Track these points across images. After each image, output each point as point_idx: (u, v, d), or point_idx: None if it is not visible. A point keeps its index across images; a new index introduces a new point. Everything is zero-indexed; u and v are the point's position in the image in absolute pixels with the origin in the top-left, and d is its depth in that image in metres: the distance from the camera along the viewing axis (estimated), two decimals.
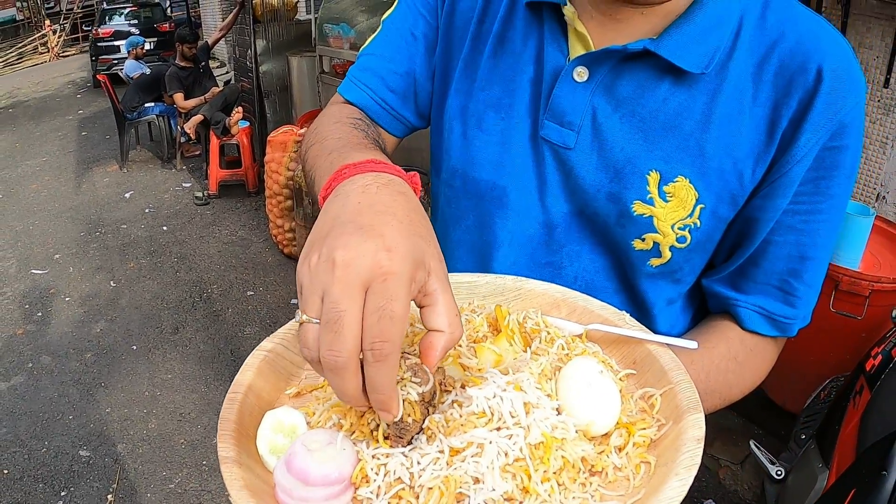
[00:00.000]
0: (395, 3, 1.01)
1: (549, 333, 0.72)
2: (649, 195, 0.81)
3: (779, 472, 1.91)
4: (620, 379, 0.69)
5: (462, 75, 0.93)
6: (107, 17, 14.70)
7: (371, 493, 0.56)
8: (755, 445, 2.04)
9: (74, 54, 20.04)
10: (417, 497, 0.56)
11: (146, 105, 7.89)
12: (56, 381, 3.83)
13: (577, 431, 0.61)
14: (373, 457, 0.58)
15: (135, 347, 4.09)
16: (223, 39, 8.15)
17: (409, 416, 0.57)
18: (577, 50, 0.84)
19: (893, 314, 1.25)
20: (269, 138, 5.32)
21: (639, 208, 0.82)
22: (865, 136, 3.17)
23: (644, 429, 0.63)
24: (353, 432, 0.62)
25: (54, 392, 3.73)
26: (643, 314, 0.90)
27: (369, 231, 0.54)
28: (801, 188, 0.81)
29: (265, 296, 4.64)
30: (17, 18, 22.83)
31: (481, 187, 0.91)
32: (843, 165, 0.80)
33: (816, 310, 2.17)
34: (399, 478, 0.57)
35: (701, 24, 0.78)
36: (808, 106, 0.77)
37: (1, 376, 3.93)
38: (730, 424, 3.24)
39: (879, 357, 1.90)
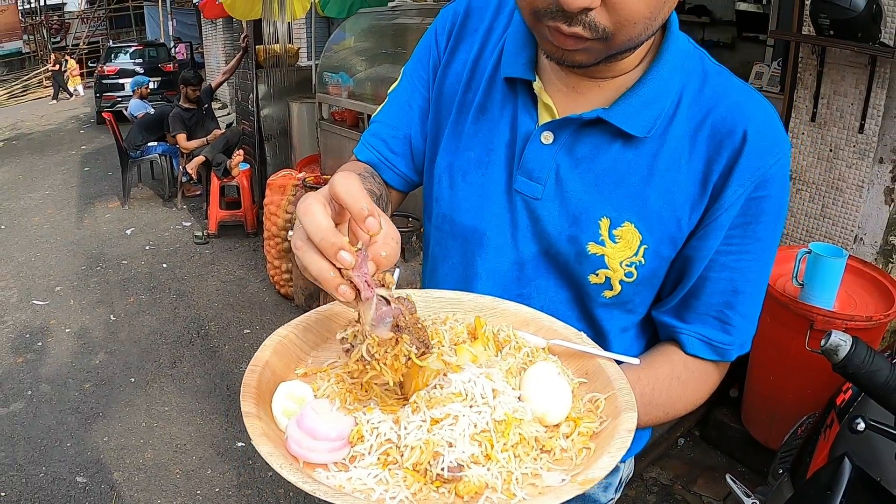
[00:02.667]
0: (399, 78, 1.20)
1: (517, 343, 0.89)
2: (601, 237, 0.97)
3: None
4: (574, 387, 0.84)
5: (449, 137, 1.11)
6: (112, 55, 14.87)
7: (364, 449, 0.73)
8: (731, 479, 2.12)
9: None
10: (402, 454, 0.71)
11: (149, 144, 8.09)
12: (55, 409, 3.95)
13: (533, 418, 0.77)
14: (368, 422, 0.75)
15: (133, 379, 4.23)
16: (226, 82, 8.40)
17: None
18: (544, 117, 1.00)
19: (823, 344, 1.36)
20: (268, 181, 5.50)
21: (592, 248, 0.97)
22: (842, 180, 3.38)
23: (589, 422, 0.79)
24: (347, 396, 0.80)
25: (53, 420, 3.85)
26: (600, 339, 1.05)
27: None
28: (730, 231, 0.95)
29: (261, 334, 4.76)
30: (24, 51, 23.10)
31: (465, 230, 1.08)
32: (768, 212, 0.94)
33: (793, 349, 2.41)
34: (389, 438, 0.73)
35: (646, 97, 0.94)
36: (734, 162, 0.92)
37: (0, 403, 4.05)
38: (713, 462, 3.39)
39: (850, 392, 1.98)
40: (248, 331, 4.86)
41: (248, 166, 6.86)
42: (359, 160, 1.19)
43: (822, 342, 1.32)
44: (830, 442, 1.88)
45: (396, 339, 0.75)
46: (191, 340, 4.72)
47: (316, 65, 6.06)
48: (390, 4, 5.26)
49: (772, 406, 3.11)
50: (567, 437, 0.77)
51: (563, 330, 0.94)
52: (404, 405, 0.78)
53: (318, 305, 3.61)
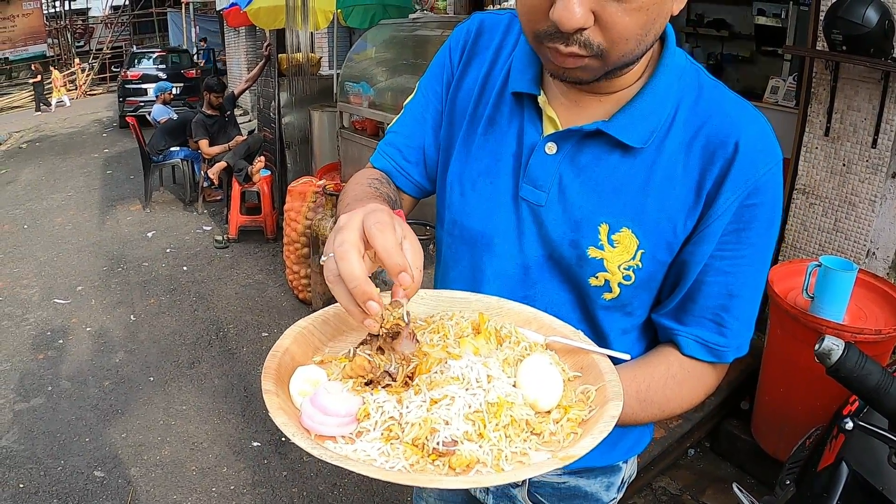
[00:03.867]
0: (415, 91, 1.27)
1: (517, 338, 0.95)
2: (600, 242, 1.02)
3: None
4: (568, 380, 0.90)
5: (461, 148, 1.17)
6: (136, 61, 15.08)
7: (370, 425, 0.79)
8: (738, 488, 2.13)
9: (101, 93, 20.57)
10: (403, 430, 0.77)
11: (172, 149, 8.22)
12: (74, 405, 4.04)
13: (525, 403, 0.83)
14: (374, 401, 0.81)
15: (152, 378, 4.31)
16: (248, 90, 8.51)
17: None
18: (548, 129, 1.06)
19: (817, 348, 1.40)
20: (289, 188, 5.58)
21: (592, 252, 1.03)
22: (855, 194, 3.41)
23: (578, 410, 0.84)
24: (358, 385, 0.86)
25: (72, 415, 3.94)
26: (601, 340, 1.09)
27: (363, 209, 0.82)
28: (724, 238, 0.99)
29: (279, 337, 4.83)
30: (48, 55, 23.44)
31: (474, 235, 1.14)
32: (760, 219, 0.99)
33: (803, 362, 2.44)
34: (392, 416, 0.79)
35: (643, 110, 1.00)
36: (727, 171, 0.97)
37: (21, 397, 4.14)
38: (723, 473, 3.40)
39: (856, 403, 1.99)
40: (266, 334, 4.94)
41: (269, 173, 6.96)
42: (374, 167, 1.26)
43: (816, 346, 1.36)
44: (836, 452, 1.90)
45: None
46: (209, 342, 4.80)
47: (337, 74, 6.15)
48: (411, 16, 5.35)
49: (781, 418, 3.14)
50: (556, 423, 0.83)
51: (562, 328, 0.99)
52: (408, 388, 0.84)
53: None
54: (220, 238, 6.86)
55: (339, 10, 6.00)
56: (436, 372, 0.84)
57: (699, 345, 1.06)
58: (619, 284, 1.05)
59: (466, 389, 0.81)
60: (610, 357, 0.93)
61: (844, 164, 3.49)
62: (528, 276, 1.11)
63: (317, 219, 4.91)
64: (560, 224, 1.06)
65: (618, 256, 1.03)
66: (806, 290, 2.91)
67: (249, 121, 12.40)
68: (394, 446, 0.77)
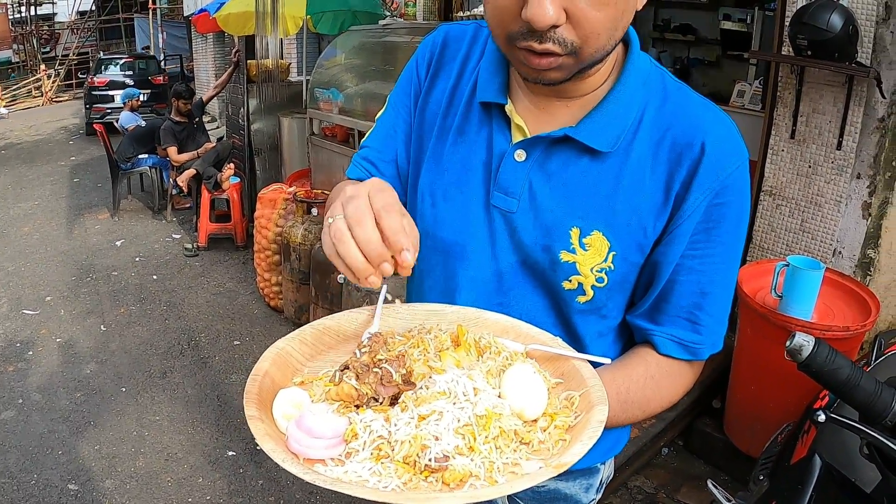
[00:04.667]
0: (385, 106, 1.28)
1: (497, 348, 0.96)
2: (572, 246, 1.04)
3: None
4: (552, 387, 0.91)
5: (431, 159, 1.18)
6: (102, 67, 14.84)
7: (359, 445, 0.79)
8: (712, 484, 2.14)
9: (68, 100, 20.24)
10: (393, 448, 0.77)
11: (140, 156, 8.11)
12: (46, 418, 3.97)
13: (512, 413, 0.84)
14: (361, 421, 0.81)
15: (124, 389, 4.26)
16: (216, 96, 8.45)
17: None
18: (517, 137, 1.07)
19: (788, 344, 1.44)
20: (259, 195, 5.55)
21: (565, 256, 1.04)
22: (821, 195, 3.47)
23: (564, 417, 0.85)
24: (343, 408, 0.86)
25: (44, 428, 3.87)
26: (578, 344, 1.11)
27: (368, 185, 0.86)
28: (694, 237, 1.02)
29: (251, 345, 4.82)
30: (13, 61, 23.08)
31: (447, 245, 1.15)
32: (729, 218, 1.01)
33: (773, 360, 2.48)
34: (380, 435, 0.79)
35: (609, 114, 1.01)
36: (694, 173, 0.99)
37: None
38: (697, 471, 3.44)
39: (826, 398, 2.03)
40: (238, 342, 4.90)
41: (239, 180, 6.91)
42: (351, 179, 1.26)
43: (787, 343, 1.40)
44: (808, 446, 1.93)
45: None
46: (181, 351, 4.75)
47: (307, 80, 6.13)
48: (381, 22, 5.35)
49: (753, 415, 3.19)
50: (544, 431, 0.84)
51: (540, 335, 1.01)
52: (394, 405, 0.85)
53: (308, 317, 3.73)
54: (189, 246, 6.79)
55: (308, 17, 5.97)
56: (421, 387, 0.85)
57: (675, 343, 1.08)
58: (593, 287, 1.06)
59: (454, 403, 0.82)
60: (590, 361, 0.95)
61: (810, 166, 3.56)
62: (502, 282, 1.12)
63: (287, 226, 4.89)
64: (532, 230, 1.07)
65: (590, 259, 1.04)
66: (774, 289, 2.97)
67: (217, 127, 12.32)
68: (385, 465, 0.77)
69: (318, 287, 4.50)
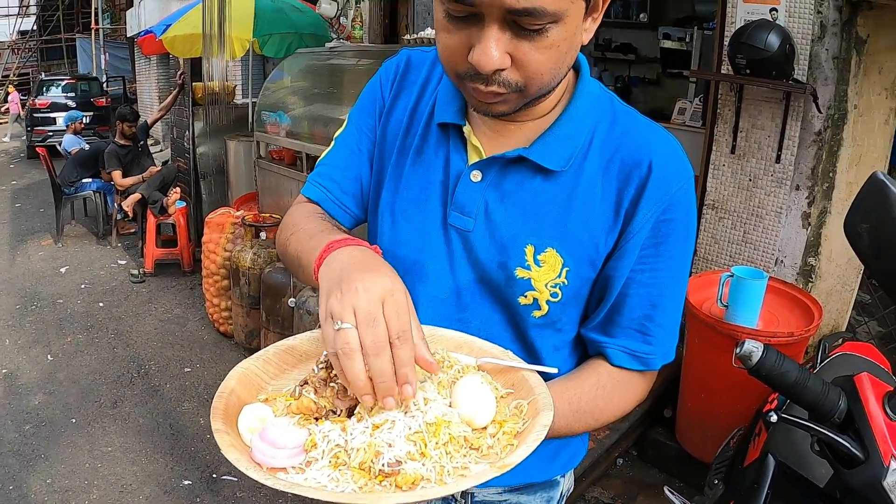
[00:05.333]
0: (345, 124, 1.30)
1: (449, 362, 0.99)
2: (527, 262, 1.07)
3: None
4: (501, 396, 0.95)
5: (391, 178, 1.21)
6: (44, 89, 14.48)
7: (318, 454, 0.83)
8: (669, 491, 2.20)
9: (7, 123, 19.79)
10: (349, 456, 0.81)
11: (84, 181, 7.96)
12: None
13: (462, 421, 0.88)
14: (320, 431, 0.85)
15: (74, 420, 4.15)
16: (160, 119, 8.35)
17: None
18: (473, 158, 1.11)
19: (738, 351, 1.51)
20: (206, 219, 5.50)
21: (520, 273, 1.08)
22: (762, 207, 3.59)
23: (513, 423, 0.90)
24: (304, 420, 0.89)
25: None
26: (534, 358, 1.14)
27: (375, 272, 0.85)
28: (643, 252, 1.06)
29: (202, 372, 4.77)
30: None
31: (406, 263, 1.17)
32: (676, 232, 1.06)
33: (721, 367, 2.59)
34: (338, 444, 0.83)
35: (561, 135, 1.06)
36: (642, 191, 1.04)
37: None
38: (652, 480, 3.51)
39: (775, 401, 2.08)
40: (189, 369, 4.83)
41: (185, 204, 6.84)
42: (310, 200, 1.27)
43: (737, 349, 1.46)
44: (760, 448, 2.00)
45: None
46: (131, 380, 4.66)
47: (253, 103, 6.11)
48: (328, 45, 5.36)
49: (704, 422, 3.27)
50: (493, 437, 0.88)
51: (491, 349, 1.04)
52: (350, 416, 0.89)
53: (259, 342, 3.72)
54: (136, 272, 6.68)
55: (255, 39, 5.96)
56: None
57: (627, 355, 1.12)
58: (548, 302, 1.10)
59: (405, 413, 0.85)
60: (540, 372, 0.99)
61: (751, 179, 3.68)
62: (460, 299, 1.15)
63: (236, 250, 4.86)
64: (488, 248, 1.11)
65: (544, 275, 1.08)
66: (720, 299, 3.06)
67: (161, 150, 12.15)
68: (342, 472, 0.80)
69: (269, 311, 4.46)
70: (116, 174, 7.33)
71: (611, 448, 3.58)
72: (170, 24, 6.53)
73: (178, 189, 6.90)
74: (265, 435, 0.83)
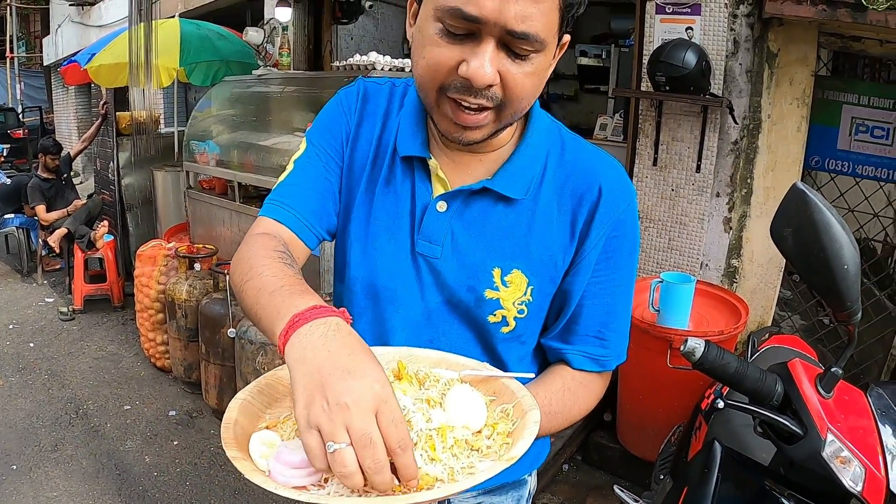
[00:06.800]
0: (304, 147, 1.29)
1: (435, 377, 1.06)
2: (495, 284, 1.17)
3: None
4: (487, 403, 1.02)
5: (361, 206, 1.26)
6: None
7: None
8: (619, 489, 2.30)
9: None
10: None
11: (5, 216, 7.75)
12: None
13: (461, 426, 0.95)
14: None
15: (14, 467, 4.02)
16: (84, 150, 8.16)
17: None
18: (438, 189, 1.20)
19: (682, 349, 1.65)
20: (138, 253, 5.41)
21: (489, 294, 1.17)
22: (685, 215, 3.78)
23: (504, 424, 0.98)
24: None
25: None
26: (502, 368, 1.21)
27: (356, 373, 0.79)
28: (597, 266, 1.18)
29: (142, 409, 4.68)
30: None
31: (377, 290, 1.24)
32: (625, 247, 1.19)
33: (657, 369, 2.74)
34: None
35: (519, 165, 1.17)
36: (594, 212, 1.16)
37: None
38: (598, 482, 3.64)
39: (712, 396, 2.24)
40: (129, 407, 4.73)
41: (112, 237, 6.71)
42: (277, 220, 1.21)
43: (681, 347, 1.60)
44: (701, 440, 2.14)
45: None
46: (70, 421, 4.54)
47: (180, 132, 6.05)
48: (255, 72, 5.37)
49: (644, 422, 3.41)
50: (489, 438, 0.96)
51: (468, 362, 1.12)
52: None
53: (199, 375, 3.69)
54: (65, 310, 6.49)
55: (181, 68, 5.91)
56: None
57: (587, 359, 1.23)
58: (515, 318, 1.20)
59: (411, 430, 0.91)
60: (516, 378, 1.08)
61: (673, 189, 3.87)
62: (430, 320, 1.24)
63: (171, 283, 4.76)
64: (456, 273, 1.20)
65: (511, 295, 1.18)
66: (651, 304, 3.21)
67: (81, 183, 11.83)
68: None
69: (209, 343, 4.38)
70: (40, 209, 7.13)
71: (556, 455, 3.70)
72: (94, 53, 6.40)
73: (105, 222, 6.77)
74: (281, 457, 0.87)
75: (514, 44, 0.96)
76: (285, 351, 0.86)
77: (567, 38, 1.05)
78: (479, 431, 0.98)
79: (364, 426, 0.76)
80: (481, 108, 1.02)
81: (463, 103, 1.02)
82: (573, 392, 1.23)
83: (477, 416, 0.98)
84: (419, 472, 0.82)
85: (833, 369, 1.59)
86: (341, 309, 0.93)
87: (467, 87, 0.99)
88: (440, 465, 0.88)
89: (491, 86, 0.99)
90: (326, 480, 0.88)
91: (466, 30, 0.96)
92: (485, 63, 0.96)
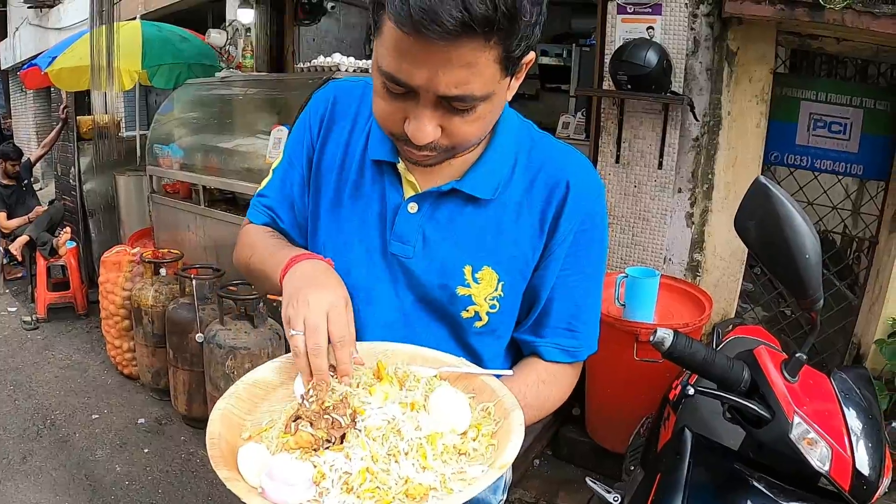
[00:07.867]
0: (281, 156, 1.38)
1: (414, 376, 1.09)
2: (466, 281, 1.20)
3: (616, 498, 2.22)
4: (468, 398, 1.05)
5: (330, 210, 1.30)
6: None
7: (328, 484, 0.89)
8: (591, 481, 2.33)
9: None
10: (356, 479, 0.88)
11: None
12: None
13: (448, 430, 0.97)
14: (324, 462, 0.92)
15: None
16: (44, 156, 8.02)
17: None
18: (408, 191, 1.22)
19: (652, 339, 1.72)
20: (102, 259, 5.32)
21: (461, 291, 1.20)
22: (648, 210, 3.84)
23: (487, 425, 1.00)
24: (304, 454, 0.95)
25: None
26: (477, 362, 1.24)
27: (321, 286, 1.09)
28: (566, 260, 1.21)
29: (111, 418, 4.63)
30: None
31: (353, 290, 1.24)
32: (593, 240, 1.23)
33: (624, 362, 2.81)
34: (345, 471, 0.90)
35: (488, 166, 1.19)
36: (562, 207, 1.18)
37: None
38: (570, 476, 3.69)
39: (679, 387, 2.33)
40: (97, 416, 4.67)
41: (75, 244, 6.61)
42: (267, 226, 1.39)
43: (651, 338, 1.65)
44: (670, 430, 2.19)
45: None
46: (38, 432, 4.47)
47: (141, 135, 5.98)
48: (218, 75, 5.33)
49: (613, 415, 3.47)
50: (474, 440, 0.99)
51: (445, 358, 1.16)
52: (342, 442, 0.96)
53: (167, 381, 3.65)
54: (28, 319, 6.39)
55: (143, 71, 5.83)
56: (368, 417, 0.98)
57: (559, 350, 1.27)
58: (487, 313, 1.23)
59: (403, 439, 0.95)
60: (494, 375, 1.11)
61: (636, 186, 3.93)
62: (406, 317, 1.27)
63: (136, 289, 4.69)
64: (429, 272, 1.23)
65: (483, 291, 1.22)
66: (617, 299, 3.27)
67: (41, 189, 11.62)
68: (358, 495, 0.88)
69: (176, 349, 4.32)
70: (1, 216, 7.02)
71: (527, 451, 3.73)
72: (55, 57, 6.29)
73: (68, 229, 6.67)
74: (274, 474, 0.88)
75: (452, 103, 0.98)
76: (283, 280, 1.15)
77: (531, 55, 1.03)
78: (465, 433, 1.00)
79: (314, 319, 1.04)
80: (427, 155, 1.07)
81: (410, 150, 1.06)
82: (547, 384, 1.27)
83: (462, 417, 1.00)
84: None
85: (797, 354, 1.65)
86: (327, 259, 1.19)
87: (412, 140, 1.03)
88: (432, 472, 0.91)
89: (433, 140, 1.02)
90: (321, 495, 0.89)
91: (403, 90, 0.99)
92: (423, 125, 1.00)
